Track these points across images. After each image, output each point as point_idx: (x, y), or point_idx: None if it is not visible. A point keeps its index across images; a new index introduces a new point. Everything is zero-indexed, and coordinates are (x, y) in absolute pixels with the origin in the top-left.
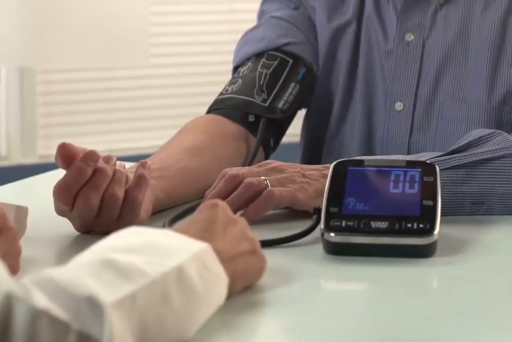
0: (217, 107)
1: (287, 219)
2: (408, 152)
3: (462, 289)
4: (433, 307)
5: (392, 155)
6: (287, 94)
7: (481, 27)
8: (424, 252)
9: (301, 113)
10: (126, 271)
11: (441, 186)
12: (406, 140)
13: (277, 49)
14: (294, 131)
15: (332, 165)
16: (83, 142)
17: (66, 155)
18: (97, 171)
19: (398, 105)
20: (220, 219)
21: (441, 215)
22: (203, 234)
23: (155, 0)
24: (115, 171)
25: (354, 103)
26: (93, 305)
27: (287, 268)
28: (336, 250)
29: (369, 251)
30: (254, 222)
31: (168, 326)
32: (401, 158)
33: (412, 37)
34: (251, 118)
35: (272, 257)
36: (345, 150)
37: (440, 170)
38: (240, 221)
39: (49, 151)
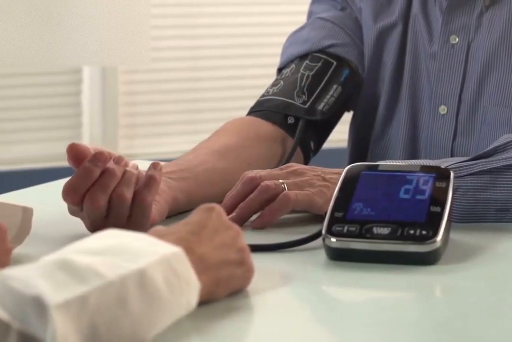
0: (257, 109)
1: (303, 222)
2: (452, 156)
3: (455, 299)
4: (424, 316)
5: (419, 160)
6: (328, 96)
7: None
8: (426, 260)
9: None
10: (80, 273)
11: (465, 191)
12: (449, 144)
13: (321, 51)
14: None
15: (345, 169)
16: (167, 143)
17: (76, 156)
18: (105, 172)
19: (442, 109)
20: (211, 224)
21: (464, 222)
22: (190, 237)
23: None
24: (124, 172)
25: (399, 105)
26: (38, 305)
27: (283, 272)
28: (338, 256)
29: (370, 257)
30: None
31: (122, 329)
32: (421, 164)
33: (457, 39)
34: (290, 120)
35: (272, 260)
36: (390, 153)
37: (464, 176)
38: (234, 228)
39: (131, 151)
